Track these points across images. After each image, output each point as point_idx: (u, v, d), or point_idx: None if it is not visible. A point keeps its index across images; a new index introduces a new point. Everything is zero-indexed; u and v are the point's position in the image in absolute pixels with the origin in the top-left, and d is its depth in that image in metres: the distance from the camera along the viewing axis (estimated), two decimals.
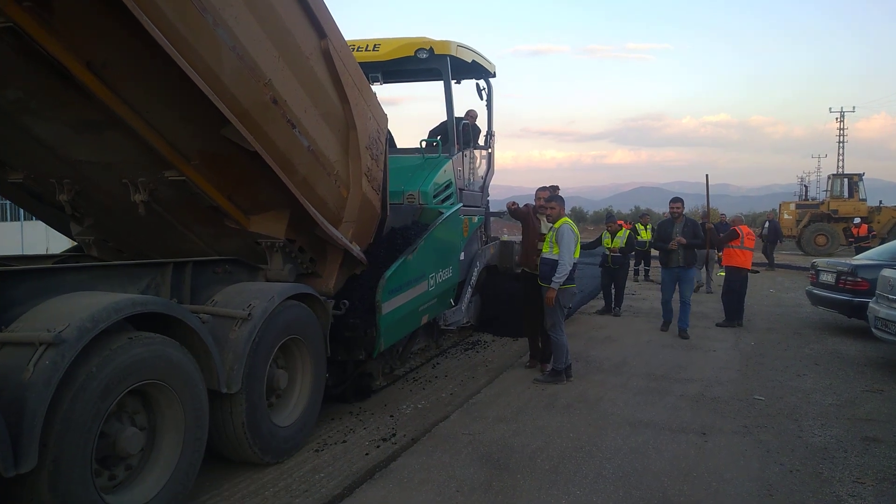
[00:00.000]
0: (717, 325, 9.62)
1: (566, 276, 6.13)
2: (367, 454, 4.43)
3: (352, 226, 4.99)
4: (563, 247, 6.11)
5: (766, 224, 19.68)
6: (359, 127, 4.79)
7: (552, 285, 6.13)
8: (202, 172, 3.85)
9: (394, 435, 4.81)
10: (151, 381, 3.20)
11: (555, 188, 7.15)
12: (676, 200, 8.94)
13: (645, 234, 16.54)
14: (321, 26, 4.20)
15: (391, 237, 5.87)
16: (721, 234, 10.45)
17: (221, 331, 3.87)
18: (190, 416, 3.43)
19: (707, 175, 11.00)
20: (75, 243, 5.18)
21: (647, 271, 16.58)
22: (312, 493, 3.85)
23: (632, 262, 16.64)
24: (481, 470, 4.19)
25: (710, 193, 11.39)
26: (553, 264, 6.14)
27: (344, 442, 4.67)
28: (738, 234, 9.66)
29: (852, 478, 4.11)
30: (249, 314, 3.92)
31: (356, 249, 5.07)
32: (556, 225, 6.26)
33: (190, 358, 3.45)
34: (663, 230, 8.83)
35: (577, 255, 6.23)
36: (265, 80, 3.70)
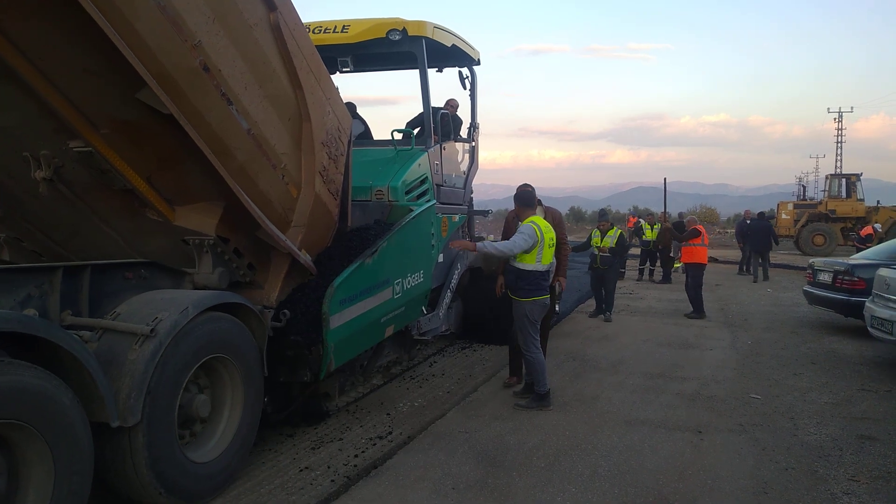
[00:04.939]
0: (686, 315, 10.34)
1: (499, 251, 5.42)
2: (363, 451, 4.43)
3: (301, 231, 4.42)
4: (515, 235, 5.38)
5: (749, 223, 17.64)
6: (314, 119, 4.30)
7: (479, 247, 5.58)
8: (114, 144, 3.33)
9: (390, 433, 4.81)
10: (3, 421, 2.60)
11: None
12: None
13: (650, 234, 16.48)
14: None
15: (347, 239, 5.16)
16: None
17: (119, 350, 3.22)
18: (62, 461, 2.77)
19: (665, 178, 11.72)
20: None
21: (651, 271, 16.45)
22: (308, 490, 3.85)
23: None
24: (477, 467, 4.19)
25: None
26: (518, 273, 5.38)
27: (340, 439, 4.67)
28: (700, 233, 10.60)
29: (847, 476, 4.12)
30: (153, 330, 3.24)
31: (304, 257, 4.47)
32: (524, 222, 5.47)
33: (63, 387, 2.81)
34: None
35: (547, 260, 5.43)
36: (194, 41, 3.22)
